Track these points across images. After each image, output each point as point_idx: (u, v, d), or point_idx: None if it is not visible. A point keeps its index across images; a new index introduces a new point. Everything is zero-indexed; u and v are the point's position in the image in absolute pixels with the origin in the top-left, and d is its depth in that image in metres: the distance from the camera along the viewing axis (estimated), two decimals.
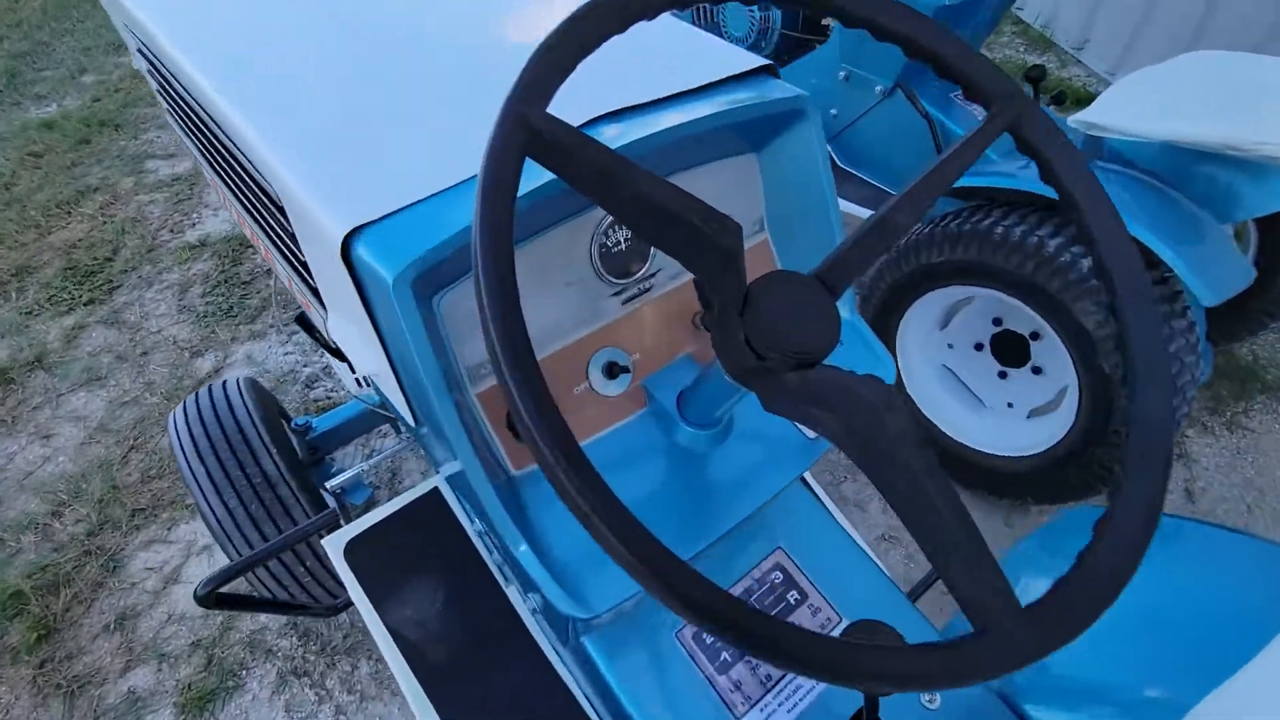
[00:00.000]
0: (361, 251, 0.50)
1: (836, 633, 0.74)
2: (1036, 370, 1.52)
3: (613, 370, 0.60)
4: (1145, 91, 1.32)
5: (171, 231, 2.44)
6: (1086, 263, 1.18)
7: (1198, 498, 1.66)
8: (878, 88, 1.80)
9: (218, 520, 1.11)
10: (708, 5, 0.75)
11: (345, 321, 0.61)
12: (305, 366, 1.94)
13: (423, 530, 0.97)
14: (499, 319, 0.34)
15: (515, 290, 0.35)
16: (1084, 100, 2.86)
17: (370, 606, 0.90)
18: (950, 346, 1.64)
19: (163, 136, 2.93)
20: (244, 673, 1.37)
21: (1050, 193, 0.48)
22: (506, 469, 0.56)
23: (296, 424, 1.28)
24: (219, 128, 0.73)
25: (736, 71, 0.62)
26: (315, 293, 0.71)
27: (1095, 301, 1.18)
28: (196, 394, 1.22)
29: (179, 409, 1.20)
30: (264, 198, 0.69)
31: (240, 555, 1.15)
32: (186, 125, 0.94)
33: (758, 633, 0.32)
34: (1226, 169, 1.24)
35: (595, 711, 0.76)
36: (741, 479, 0.62)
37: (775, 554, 0.78)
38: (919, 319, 1.58)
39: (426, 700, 0.81)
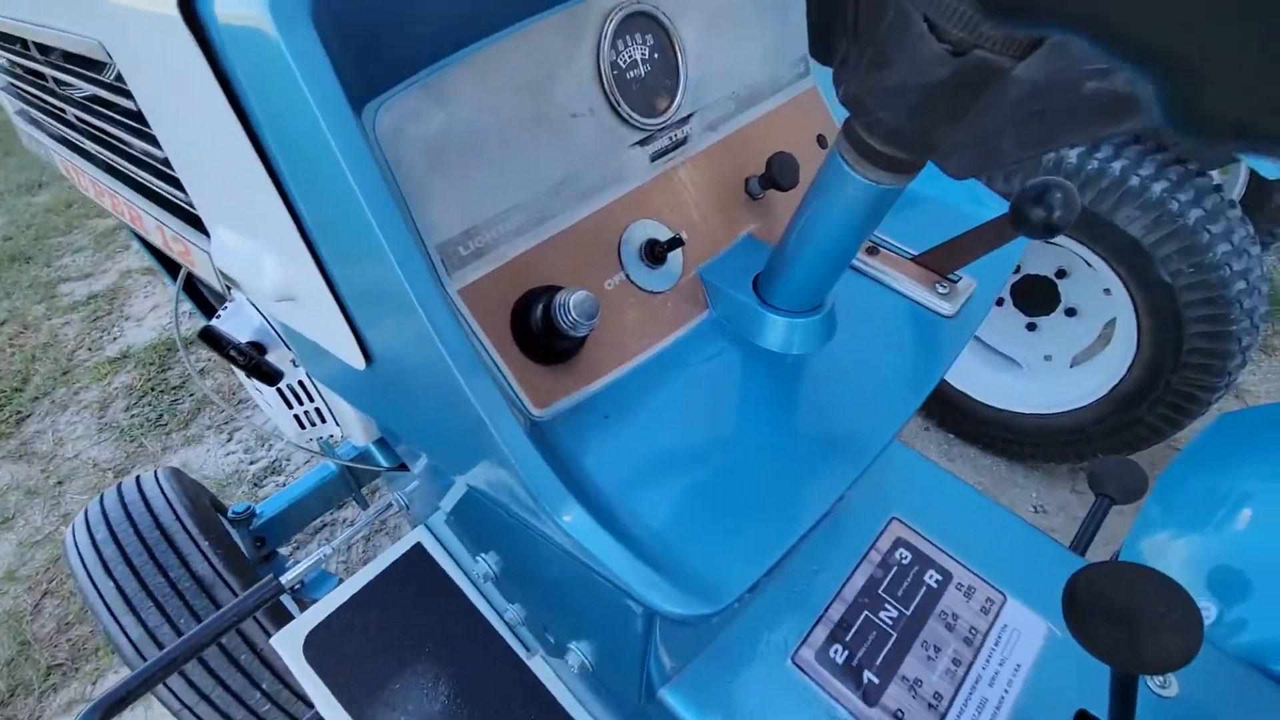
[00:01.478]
0: None
1: (1006, 620, 0.53)
2: (1070, 312, 1.37)
3: (655, 251, 0.41)
4: None
5: (89, 350, 2.19)
6: (1118, 165, 1.05)
7: None
8: None
9: (135, 648, 0.85)
10: None
11: (228, 209, 0.40)
12: (252, 464, 1.69)
13: (406, 600, 0.74)
14: None
15: None
16: None
17: (343, 713, 0.66)
18: None
19: (78, 260, 2.72)
20: None
21: None
22: (524, 409, 0.35)
23: (235, 511, 1.03)
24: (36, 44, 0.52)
25: None
26: (190, 219, 0.48)
27: (1139, 204, 1.04)
28: (101, 497, 0.97)
29: (78, 518, 0.95)
30: (98, 88, 0.46)
31: (174, 691, 0.88)
32: (27, 95, 0.71)
33: None
34: None
35: None
36: (870, 385, 0.42)
37: (891, 525, 0.57)
38: None
39: None
